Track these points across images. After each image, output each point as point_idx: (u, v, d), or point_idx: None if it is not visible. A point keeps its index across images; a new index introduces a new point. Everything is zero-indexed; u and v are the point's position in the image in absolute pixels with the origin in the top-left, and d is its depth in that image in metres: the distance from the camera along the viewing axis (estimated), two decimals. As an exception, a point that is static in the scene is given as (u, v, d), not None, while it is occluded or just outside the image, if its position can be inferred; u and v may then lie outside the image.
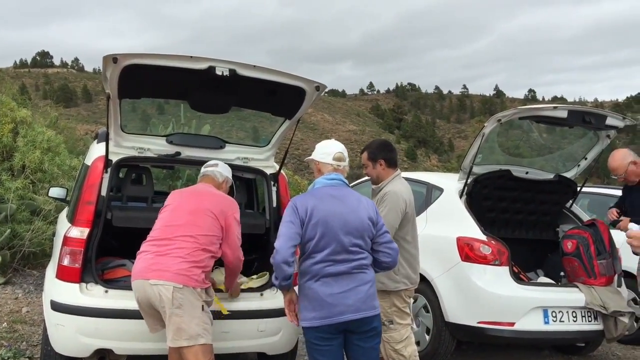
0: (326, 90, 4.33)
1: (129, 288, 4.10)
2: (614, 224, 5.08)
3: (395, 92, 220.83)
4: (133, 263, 4.40)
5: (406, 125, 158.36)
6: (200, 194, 3.93)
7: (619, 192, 7.60)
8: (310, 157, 3.65)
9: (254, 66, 3.93)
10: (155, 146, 4.50)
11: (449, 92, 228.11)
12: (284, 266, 3.18)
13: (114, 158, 4.30)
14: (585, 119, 5.23)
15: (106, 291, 3.95)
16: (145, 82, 3.99)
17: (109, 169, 4.24)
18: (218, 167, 4.18)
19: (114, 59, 3.59)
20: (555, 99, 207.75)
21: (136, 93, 4.24)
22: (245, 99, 4.38)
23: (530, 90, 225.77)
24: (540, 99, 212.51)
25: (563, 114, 5.15)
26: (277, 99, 4.29)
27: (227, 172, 4.21)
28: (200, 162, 4.38)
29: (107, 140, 4.19)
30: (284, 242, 3.22)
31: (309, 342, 3.33)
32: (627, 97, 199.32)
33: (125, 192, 4.78)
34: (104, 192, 4.18)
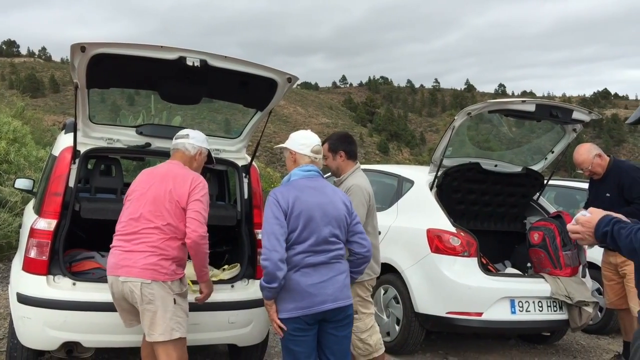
0: (298, 82, 4.32)
1: (97, 280, 4.07)
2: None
3: (367, 86, 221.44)
4: (102, 255, 4.39)
5: (379, 119, 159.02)
6: (165, 177, 3.67)
7: (584, 185, 7.81)
8: (284, 145, 3.58)
9: (225, 57, 3.91)
10: (125, 137, 4.44)
11: (421, 85, 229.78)
12: (280, 264, 3.14)
13: (82, 149, 4.23)
14: (553, 112, 5.33)
15: (74, 283, 3.90)
16: (114, 72, 3.93)
17: (77, 160, 4.17)
18: (189, 137, 3.87)
19: (82, 47, 3.53)
20: (524, 94, 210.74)
21: (105, 83, 4.17)
22: (216, 90, 4.35)
23: (501, 85, 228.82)
24: (510, 94, 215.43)
25: (531, 107, 5.24)
26: (248, 90, 4.28)
27: (200, 142, 3.89)
28: (169, 154, 4.33)
29: (75, 130, 4.12)
30: (274, 241, 3.16)
31: (286, 333, 3.29)
32: (594, 93, 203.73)
33: (94, 184, 4.72)
34: (71, 184, 4.11)
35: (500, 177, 5.90)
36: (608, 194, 5.05)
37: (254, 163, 4.82)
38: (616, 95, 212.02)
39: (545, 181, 6.16)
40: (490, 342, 6.14)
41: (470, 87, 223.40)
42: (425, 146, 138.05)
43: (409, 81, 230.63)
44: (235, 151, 4.79)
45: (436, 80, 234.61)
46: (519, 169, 6.00)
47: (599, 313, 6.39)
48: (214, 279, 4.39)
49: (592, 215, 2.30)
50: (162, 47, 3.73)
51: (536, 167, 6.12)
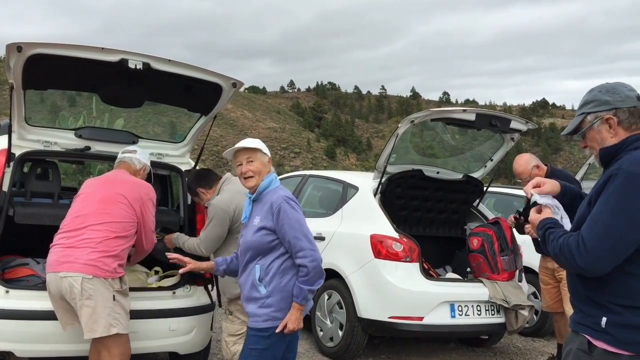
0: (245, 87, 4.32)
1: (31, 288, 3.94)
2: (518, 228, 5.41)
3: (315, 91, 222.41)
4: (37, 262, 4.25)
5: (326, 124, 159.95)
6: (113, 181, 3.86)
7: (522, 192, 8.07)
8: (267, 154, 3.36)
9: (169, 60, 3.86)
10: (63, 140, 4.32)
11: (368, 92, 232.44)
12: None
13: (17, 151, 4.09)
14: (492, 122, 5.50)
15: (7, 291, 3.76)
16: (53, 73, 3.83)
17: (11, 163, 4.03)
18: (136, 153, 4.09)
19: (19, 47, 3.43)
20: (467, 102, 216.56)
21: (42, 84, 4.06)
22: (159, 94, 4.30)
23: (445, 93, 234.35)
24: (454, 102, 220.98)
25: (471, 116, 5.39)
26: (193, 94, 4.24)
27: (146, 159, 4.12)
28: (111, 157, 4.25)
29: (9, 132, 3.98)
30: (314, 241, 3.22)
31: (271, 346, 3.18)
32: (533, 102, 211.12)
33: (30, 188, 4.55)
34: (5, 188, 3.97)
35: (442, 183, 6.04)
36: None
37: (198, 168, 4.77)
38: (554, 105, 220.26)
39: (485, 188, 6.34)
40: (431, 345, 6.26)
41: (415, 95, 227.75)
42: (372, 152, 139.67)
43: (356, 87, 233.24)
44: (178, 155, 4.74)
45: (383, 87, 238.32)
46: (459, 176, 6.15)
47: (534, 316, 6.61)
48: (153, 285, 4.33)
49: (536, 216, 2.42)
50: (103, 48, 3.66)
51: (476, 175, 6.29)
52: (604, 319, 2.18)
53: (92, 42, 3.66)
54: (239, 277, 3.37)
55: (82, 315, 3.45)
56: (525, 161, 5.33)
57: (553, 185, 2.54)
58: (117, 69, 3.74)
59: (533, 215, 2.46)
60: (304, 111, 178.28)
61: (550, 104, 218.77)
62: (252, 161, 3.27)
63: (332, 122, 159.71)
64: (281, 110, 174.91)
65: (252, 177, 3.26)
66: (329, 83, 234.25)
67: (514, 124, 5.65)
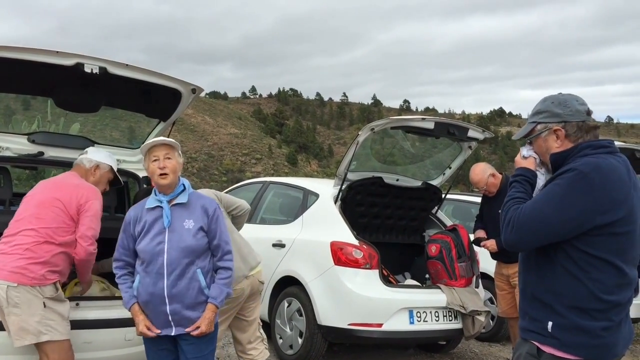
0: (206, 92, 4.28)
1: None
2: (477, 242, 5.54)
3: (277, 97, 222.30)
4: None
5: (288, 130, 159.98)
6: (54, 185, 3.76)
7: (479, 199, 8.22)
8: (181, 157, 3.41)
9: (127, 65, 3.81)
10: (16, 145, 4.19)
11: (330, 99, 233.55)
12: None
13: None
14: (450, 130, 5.59)
15: None
16: (5, 77, 3.72)
17: None
18: (87, 153, 3.97)
19: (-32, 49, 3.32)
20: (427, 110, 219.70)
21: (-6, 87, 3.95)
22: (116, 99, 4.23)
23: (405, 101, 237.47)
24: (414, 109, 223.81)
25: (430, 125, 5.47)
26: (151, 99, 4.19)
27: (99, 157, 3.95)
28: (66, 163, 4.15)
29: None
30: None
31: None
32: (490, 111, 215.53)
33: None
34: None
35: (401, 191, 6.10)
36: (500, 210, 5.32)
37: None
38: (510, 114, 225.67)
39: (444, 195, 6.43)
40: (390, 352, 6.30)
41: (377, 102, 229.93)
42: (333, 158, 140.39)
43: (318, 94, 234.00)
44: (136, 162, 4.65)
45: (344, 94, 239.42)
46: (419, 183, 6.23)
47: (490, 321, 6.73)
48: (107, 294, 4.24)
49: (520, 161, 2.57)
50: (57, 52, 3.59)
51: (435, 182, 6.37)
52: (550, 323, 2.25)
53: (45, 44, 3.55)
54: (171, 287, 3.16)
55: (9, 323, 3.39)
56: (482, 170, 5.45)
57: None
58: (72, 73, 3.66)
59: (517, 159, 2.59)
60: (265, 117, 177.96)
61: (507, 112, 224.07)
62: (169, 158, 3.24)
63: (293, 129, 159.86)
64: (243, 116, 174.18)
65: (167, 174, 3.20)
66: (291, 89, 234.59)
67: (471, 133, 5.76)
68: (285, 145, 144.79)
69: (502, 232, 2.35)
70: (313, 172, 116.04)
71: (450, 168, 6.37)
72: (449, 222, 6.45)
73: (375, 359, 6.04)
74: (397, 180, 6.13)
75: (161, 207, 3.24)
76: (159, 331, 3.23)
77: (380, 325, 5.20)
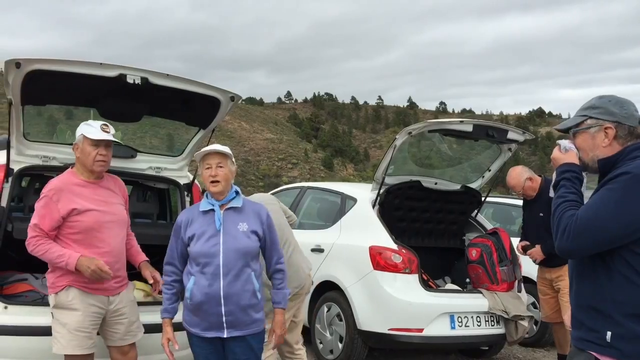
0: (242, 99, 4.32)
1: (30, 304, 3.93)
2: (525, 250, 5.44)
3: (312, 102, 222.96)
4: (35, 277, 4.24)
5: (323, 135, 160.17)
6: None
7: (520, 202, 8.09)
8: (235, 165, 3.48)
9: (167, 75, 3.88)
10: (62, 155, 4.30)
11: (365, 102, 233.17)
12: None
13: (15, 167, 4.09)
14: (489, 132, 5.52)
15: (5, 307, 3.74)
16: (51, 89, 3.83)
17: (9, 179, 4.03)
18: None
19: (17, 64, 3.43)
20: (464, 112, 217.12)
21: (41, 99, 4.06)
22: (157, 108, 4.30)
23: (441, 103, 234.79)
24: (451, 111, 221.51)
25: (468, 127, 5.42)
26: (191, 108, 4.24)
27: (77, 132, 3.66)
28: (111, 171, 4.24)
29: (8, 148, 3.98)
30: None
31: None
32: (529, 111, 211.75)
33: (28, 203, 4.54)
34: (4, 203, 3.97)
35: (440, 194, 6.05)
36: (541, 214, 5.25)
37: (196, 181, 4.77)
38: (550, 114, 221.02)
39: (483, 198, 6.35)
40: (431, 356, 6.24)
41: (412, 105, 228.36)
42: (369, 162, 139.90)
43: (353, 98, 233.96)
44: (177, 169, 4.73)
45: (379, 97, 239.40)
46: (457, 186, 6.16)
47: (534, 326, 6.60)
48: (149, 299, 4.30)
49: (560, 155, 2.44)
50: (101, 64, 3.67)
51: (474, 185, 6.30)
52: (609, 333, 2.17)
53: (85, 55, 3.69)
54: (227, 288, 3.21)
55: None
56: (518, 174, 5.38)
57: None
58: (115, 84, 3.75)
59: (556, 153, 2.47)
60: (301, 122, 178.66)
61: (547, 112, 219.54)
62: (222, 167, 3.30)
63: (329, 133, 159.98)
64: (278, 121, 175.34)
65: (219, 182, 3.28)
66: (326, 93, 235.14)
67: (511, 135, 5.67)
68: (321, 149, 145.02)
69: (555, 238, 2.25)
70: (349, 176, 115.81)
71: (489, 171, 6.28)
72: (489, 226, 6.36)
73: (416, 364, 6.00)
74: (436, 183, 6.08)
75: (214, 210, 3.32)
76: (177, 347, 3.36)
77: (421, 330, 5.17)
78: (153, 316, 3.96)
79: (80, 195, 3.52)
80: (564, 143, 2.45)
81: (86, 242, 3.48)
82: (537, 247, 5.25)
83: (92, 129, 3.55)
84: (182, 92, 4.00)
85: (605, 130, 2.31)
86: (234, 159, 3.44)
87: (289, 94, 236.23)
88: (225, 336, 3.27)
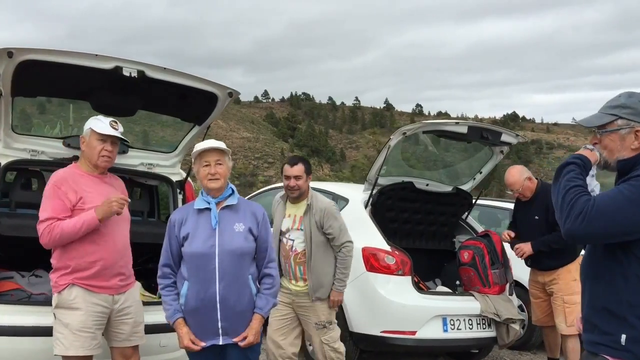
0: (239, 95, 4.21)
1: (16, 303, 3.78)
2: (512, 245, 5.40)
3: (289, 101, 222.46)
4: (22, 276, 4.08)
5: (300, 134, 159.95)
6: None
7: (506, 205, 8.10)
8: (231, 162, 3.35)
9: (165, 68, 3.77)
10: (51, 149, 4.16)
11: (342, 103, 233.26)
12: None
13: (2, 160, 3.93)
14: (483, 134, 5.50)
15: None
16: (43, 80, 3.69)
17: None
18: None
19: (9, 53, 3.29)
20: (439, 114, 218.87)
21: (32, 91, 3.92)
22: (153, 103, 4.18)
23: (418, 105, 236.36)
24: (427, 114, 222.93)
25: (463, 129, 5.39)
26: (187, 103, 4.13)
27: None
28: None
29: None
30: None
31: None
32: (504, 115, 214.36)
33: (14, 198, 4.38)
34: None
35: (431, 196, 6.02)
36: (537, 217, 5.23)
37: (189, 179, 4.65)
38: (524, 118, 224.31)
39: (474, 200, 6.33)
40: (419, 359, 6.20)
41: (389, 106, 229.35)
42: (346, 162, 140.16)
43: (330, 98, 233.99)
44: (169, 166, 4.61)
45: (356, 98, 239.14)
46: (449, 188, 6.13)
47: (521, 330, 6.60)
48: (142, 299, 4.18)
49: (586, 154, 2.37)
50: (97, 55, 3.56)
51: (465, 187, 6.28)
52: (624, 336, 2.15)
53: (63, 49, 3.52)
54: (223, 292, 3.07)
55: None
56: (518, 172, 5.35)
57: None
58: (110, 77, 3.63)
59: (583, 150, 2.41)
60: (278, 121, 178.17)
61: (521, 117, 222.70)
62: (220, 164, 3.19)
63: (306, 133, 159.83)
64: (255, 120, 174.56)
65: (218, 179, 3.16)
66: (303, 93, 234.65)
67: (505, 137, 5.67)
68: (297, 149, 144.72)
69: (565, 220, 2.16)
70: (325, 176, 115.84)
71: (480, 173, 6.28)
72: (479, 228, 6.35)
73: (405, 366, 5.95)
74: (427, 185, 6.05)
75: (209, 208, 3.18)
76: (204, 344, 3.15)
77: (413, 333, 5.12)
78: (148, 316, 3.86)
79: (87, 187, 3.42)
80: (591, 147, 2.39)
81: (89, 238, 3.33)
82: (527, 243, 5.21)
83: (102, 124, 3.46)
84: (179, 86, 3.90)
85: (636, 132, 2.26)
86: (230, 155, 3.30)
87: (266, 93, 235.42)
88: (220, 343, 3.14)
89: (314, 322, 4.36)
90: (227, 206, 3.21)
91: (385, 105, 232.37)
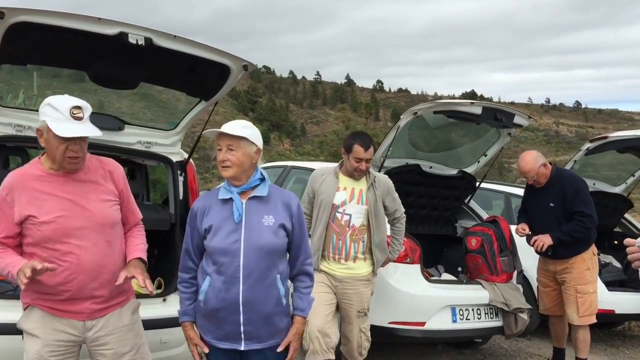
0: (255, 68, 3.81)
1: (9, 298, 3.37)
2: (528, 239, 5.16)
3: (250, 74, 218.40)
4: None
5: (260, 108, 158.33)
6: None
7: (498, 187, 7.92)
8: (256, 144, 2.81)
9: (175, 36, 3.36)
10: (39, 124, 3.68)
11: (303, 77, 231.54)
12: None
13: None
14: (497, 116, 5.24)
15: None
16: (37, 45, 3.22)
17: None
18: None
19: (1, 13, 2.82)
20: (400, 91, 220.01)
21: (22, 58, 3.44)
22: (158, 75, 3.76)
23: (378, 81, 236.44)
24: (387, 90, 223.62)
25: (478, 110, 5.11)
26: (196, 76, 3.72)
27: None
28: (92, 145, 3.66)
29: None
30: None
31: None
32: (463, 93, 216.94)
33: None
34: None
35: (437, 179, 5.76)
36: (552, 204, 5.01)
37: (191, 160, 4.25)
38: (482, 96, 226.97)
39: (478, 184, 6.10)
40: (419, 347, 5.99)
41: (350, 82, 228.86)
42: (306, 137, 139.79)
43: (291, 72, 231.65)
44: (169, 145, 4.19)
45: (317, 73, 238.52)
46: (454, 171, 5.88)
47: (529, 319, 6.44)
48: (141, 292, 3.80)
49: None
50: (100, 19, 3.12)
51: (469, 170, 6.03)
52: None
53: (62, 10, 3.05)
54: (247, 293, 2.70)
55: None
56: (533, 159, 5.08)
57: None
58: (114, 44, 3.19)
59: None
60: (238, 94, 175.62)
61: (479, 95, 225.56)
62: (232, 150, 2.72)
63: (266, 107, 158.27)
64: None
65: (229, 167, 2.72)
66: (264, 66, 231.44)
67: (517, 119, 5.42)
68: (257, 123, 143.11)
69: None
70: (285, 150, 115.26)
71: (485, 155, 6.03)
72: (482, 213, 6.12)
73: (405, 355, 5.74)
74: (431, 167, 5.78)
75: (232, 199, 2.78)
76: (207, 351, 2.83)
77: (422, 324, 4.88)
78: (147, 311, 3.49)
79: (40, 195, 2.61)
80: None
81: (41, 256, 2.58)
82: (546, 235, 4.99)
83: (58, 115, 2.58)
84: (189, 57, 3.48)
85: None
86: (254, 138, 2.79)
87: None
88: (242, 349, 2.77)
89: (357, 310, 4.17)
90: (254, 197, 2.80)
91: (346, 80, 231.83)
